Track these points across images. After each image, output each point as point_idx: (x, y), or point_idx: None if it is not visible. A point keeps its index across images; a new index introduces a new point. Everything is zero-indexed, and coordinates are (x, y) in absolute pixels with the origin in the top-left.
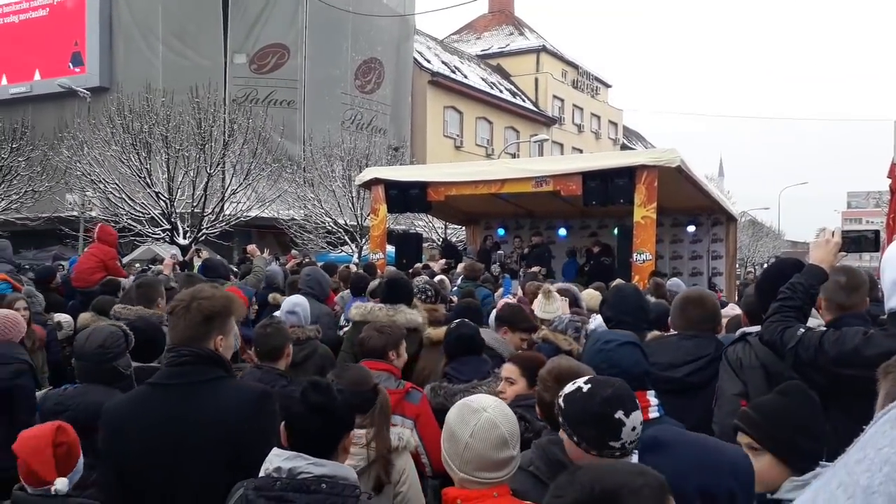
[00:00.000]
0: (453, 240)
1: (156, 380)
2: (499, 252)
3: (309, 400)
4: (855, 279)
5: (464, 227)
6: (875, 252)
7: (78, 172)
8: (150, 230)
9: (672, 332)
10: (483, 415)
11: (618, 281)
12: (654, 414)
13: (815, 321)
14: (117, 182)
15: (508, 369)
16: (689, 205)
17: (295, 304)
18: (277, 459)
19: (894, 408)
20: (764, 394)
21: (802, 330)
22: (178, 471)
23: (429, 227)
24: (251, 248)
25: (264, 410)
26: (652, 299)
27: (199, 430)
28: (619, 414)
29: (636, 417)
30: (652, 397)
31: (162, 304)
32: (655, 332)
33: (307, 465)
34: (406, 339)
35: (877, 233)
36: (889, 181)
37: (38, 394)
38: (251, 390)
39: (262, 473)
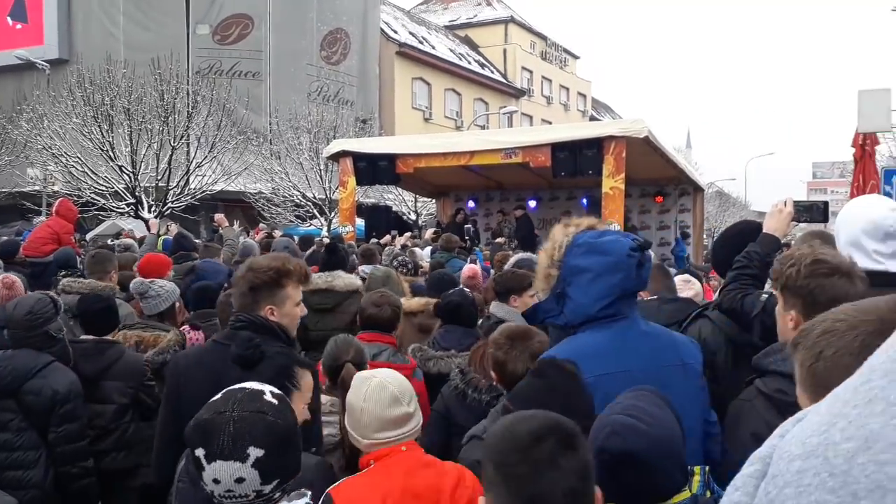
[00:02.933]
0: (423, 213)
1: (219, 337)
2: (467, 226)
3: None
4: (829, 242)
5: (433, 200)
6: (824, 222)
7: (39, 146)
8: (114, 204)
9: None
10: (373, 380)
11: None
12: None
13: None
14: (79, 156)
15: None
16: (657, 175)
17: None
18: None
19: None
20: (730, 370)
21: (765, 296)
22: None
23: (399, 199)
24: (219, 216)
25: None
26: None
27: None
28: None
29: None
30: None
31: (114, 277)
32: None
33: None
34: (347, 301)
35: (825, 203)
36: (853, 150)
37: None
38: (300, 359)
39: None
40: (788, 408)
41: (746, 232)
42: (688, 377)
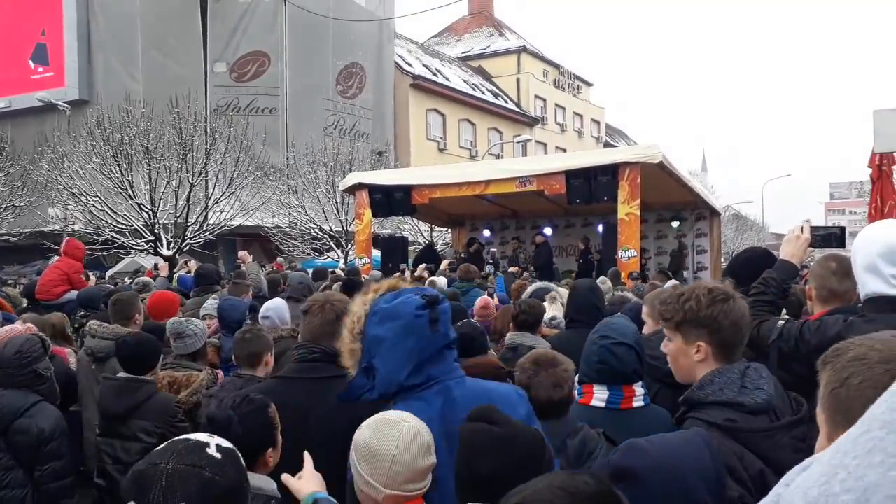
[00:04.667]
0: (439, 242)
1: (286, 373)
2: (492, 251)
3: (210, 412)
4: (846, 265)
5: (449, 230)
6: (841, 248)
7: (59, 186)
8: (133, 242)
9: None
10: (405, 425)
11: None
12: (638, 403)
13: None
14: (99, 195)
15: None
16: (673, 200)
17: (267, 309)
18: None
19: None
20: None
21: (781, 322)
22: (295, 457)
23: (414, 230)
24: (242, 253)
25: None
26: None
27: (320, 422)
28: None
29: None
30: (638, 388)
31: (139, 320)
32: None
33: None
34: None
35: (842, 229)
36: (870, 171)
37: None
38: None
39: None
40: (741, 434)
41: (758, 258)
42: None
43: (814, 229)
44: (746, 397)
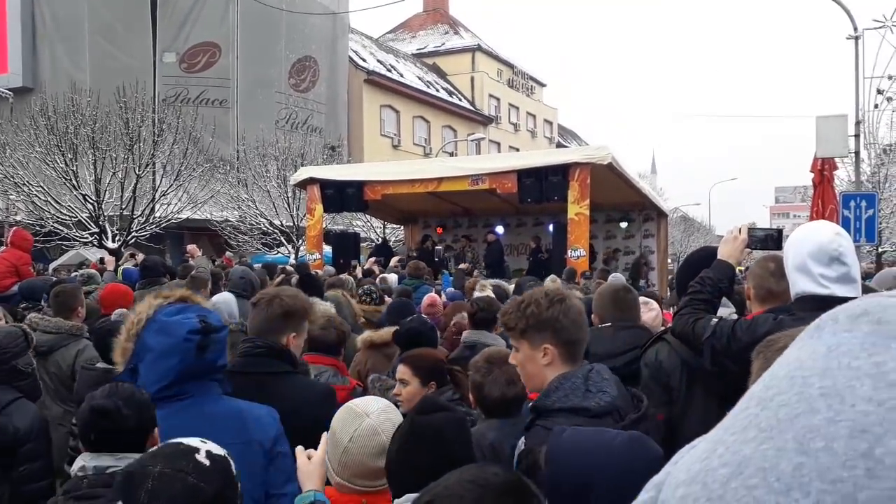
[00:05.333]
0: (392, 239)
1: (232, 367)
2: (438, 248)
3: (94, 403)
4: (783, 265)
5: (402, 227)
6: (779, 250)
7: (0, 176)
8: (77, 234)
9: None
10: (364, 420)
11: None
12: None
13: (726, 310)
14: (42, 185)
15: (401, 370)
16: (622, 201)
17: (216, 303)
18: (83, 460)
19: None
20: (684, 393)
21: (715, 320)
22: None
23: (367, 226)
24: (192, 247)
25: (330, 407)
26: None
27: (284, 418)
28: None
29: None
30: None
31: (81, 313)
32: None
33: (113, 460)
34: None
35: (779, 231)
36: (812, 175)
37: None
38: (320, 387)
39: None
40: None
41: (711, 257)
42: (251, 454)
43: (751, 231)
44: (591, 401)
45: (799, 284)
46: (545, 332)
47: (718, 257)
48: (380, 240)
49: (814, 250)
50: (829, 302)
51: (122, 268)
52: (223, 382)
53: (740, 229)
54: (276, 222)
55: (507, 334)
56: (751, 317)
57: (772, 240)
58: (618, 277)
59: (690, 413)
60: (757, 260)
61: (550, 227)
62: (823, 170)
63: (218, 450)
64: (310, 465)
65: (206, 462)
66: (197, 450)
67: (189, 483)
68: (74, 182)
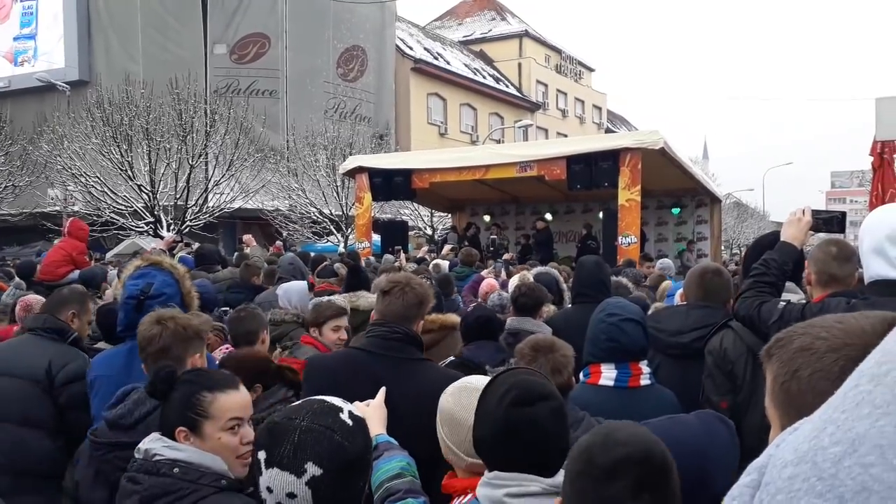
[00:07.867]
0: (440, 227)
1: (365, 346)
2: (493, 237)
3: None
4: (846, 249)
5: (449, 214)
6: (841, 233)
7: (58, 166)
8: (133, 223)
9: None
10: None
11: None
12: (645, 381)
13: (794, 296)
14: (99, 175)
15: None
16: (674, 187)
17: (287, 290)
18: (148, 440)
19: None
20: (749, 381)
21: (782, 304)
22: None
23: (415, 214)
24: (247, 237)
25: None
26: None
27: (404, 401)
28: None
29: None
30: (644, 366)
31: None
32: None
33: (163, 447)
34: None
35: (843, 214)
36: (871, 159)
37: None
38: (452, 374)
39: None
40: None
41: (769, 244)
42: None
43: (815, 213)
44: None
45: (873, 267)
46: None
47: (782, 239)
48: (428, 229)
49: (892, 233)
50: None
51: (178, 255)
52: None
53: (804, 211)
54: (326, 211)
55: None
56: (818, 300)
57: (836, 222)
58: (669, 266)
59: (755, 401)
60: (818, 244)
61: (601, 214)
62: (883, 153)
63: (357, 411)
64: (367, 409)
65: (350, 422)
66: (341, 409)
67: (336, 441)
68: (130, 173)
